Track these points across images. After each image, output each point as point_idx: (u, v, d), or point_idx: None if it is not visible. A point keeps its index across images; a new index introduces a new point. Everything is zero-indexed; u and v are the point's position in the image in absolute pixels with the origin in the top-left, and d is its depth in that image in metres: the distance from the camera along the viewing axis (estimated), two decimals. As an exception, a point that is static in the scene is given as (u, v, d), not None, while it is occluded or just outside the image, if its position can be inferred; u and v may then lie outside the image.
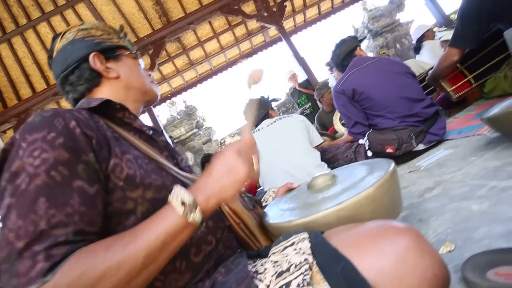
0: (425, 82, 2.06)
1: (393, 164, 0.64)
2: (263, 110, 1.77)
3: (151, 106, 4.23)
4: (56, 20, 4.17)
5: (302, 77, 4.46)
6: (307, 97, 4.43)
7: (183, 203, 0.44)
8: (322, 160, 1.76)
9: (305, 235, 0.45)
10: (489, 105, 1.78)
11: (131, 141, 0.58)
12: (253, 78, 0.68)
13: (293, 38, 5.80)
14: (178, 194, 0.45)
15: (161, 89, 5.41)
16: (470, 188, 0.82)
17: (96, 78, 0.62)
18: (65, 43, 0.62)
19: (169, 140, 4.21)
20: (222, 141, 6.19)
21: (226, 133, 6.42)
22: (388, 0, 6.92)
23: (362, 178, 0.65)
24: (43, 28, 4.17)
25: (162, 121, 6.26)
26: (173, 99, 5.89)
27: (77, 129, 0.46)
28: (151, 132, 0.67)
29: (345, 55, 1.72)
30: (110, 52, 0.63)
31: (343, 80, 1.65)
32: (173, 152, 0.78)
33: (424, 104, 1.50)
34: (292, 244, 0.45)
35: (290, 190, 0.90)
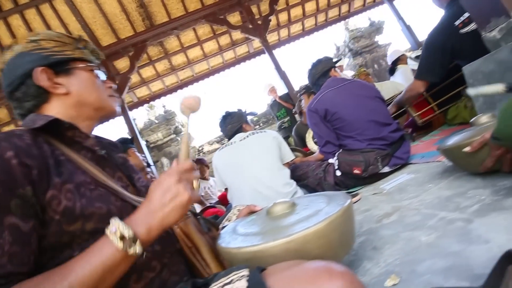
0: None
1: (348, 201, 0.65)
2: (237, 124, 1.76)
3: (127, 109, 4.11)
4: (31, 14, 3.97)
5: (282, 90, 4.53)
6: (286, 111, 4.50)
7: (122, 238, 0.42)
8: (292, 177, 1.78)
9: (245, 272, 0.44)
10: (451, 131, 1.90)
11: (78, 163, 0.54)
12: (186, 106, 0.67)
13: (277, 51, 5.93)
14: (116, 228, 0.43)
15: (140, 93, 5.28)
16: (423, 217, 0.85)
17: (43, 94, 0.58)
18: (12, 56, 0.58)
19: (146, 149, 4.07)
20: (200, 148, 6.10)
21: (205, 140, 6.35)
22: (368, 22, 7.28)
23: (317, 211, 0.65)
24: (15, 20, 3.96)
25: (138, 124, 6.09)
26: (152, 103, 5.76)
27: (13, 160, 0.42)
28: (103, 151, 0.64)
29: (320, 75, 1.77)
30: (60, 66, 0.60)
31: (317, 99, 1.68)
32: (129, 171, 0.74)
33: (391, 128, 1.56)
34: (231, 281, 0.44)
35: (252, 212, 0.89)
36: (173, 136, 5.91)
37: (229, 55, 5.50)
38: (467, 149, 0.86)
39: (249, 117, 1.95)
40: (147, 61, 4.83)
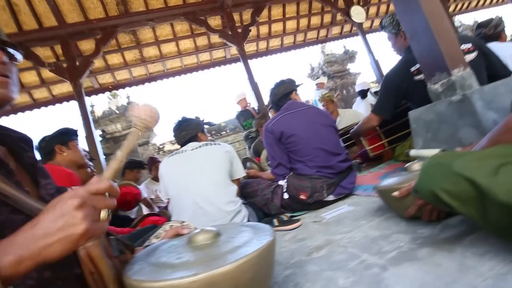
0: (349, 135, 2.28)
1: (267, 240, 0.62)
2: (192, 132, 1.69)
3: (84, 94, 3.79)
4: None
5: (252, 101, 4.54)
6: (253, 121, 4.52)
7: None
8: (241, 193, 1.75)
9: None
10: (396, 166, 2.03)
11: None
12: (141, 120, 0.61)
13: (253, 62, 5.96)
14: None
15: (103, 79, 4.94)
16: (348, 257, 0.86)
17: None
18: None
19: (99, 139, 3.77)
20: (161, 146, 5.84)
21: (167, 138, 6.10)
22: (343, 50, 7.69)
23: (237, 248, 0.62)
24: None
25: (96, 112, 5.67)
26: (116, 92, 5.41)
27: None
28: None
29: (281, 95, 1.78)
30: None
31: (274, 120, 1.69)
32: (36, 174, 0.65)
33: (339, 158, 1.61)
34: None
35: (178, 235, 0.83)
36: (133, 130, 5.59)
37: (204, 56, 5.41)
38: (395, 193, 0.90)
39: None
40: (115, 48, 4.55)
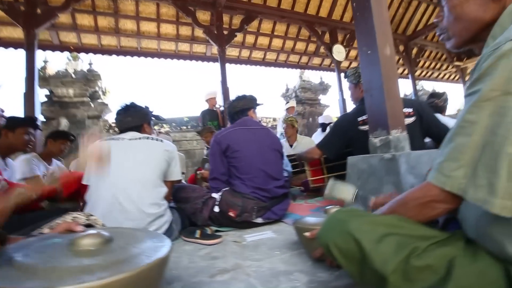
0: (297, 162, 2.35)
1: (156, 257, 0.59)
2: (138, 121, 1.58)
3: (36, 46, 3.39)
4: None
5: (220, 104, 4.49)
6: (218, 123, 4.46)
7: None
8: (174, 196, 1.67)
9: None
10: (332, 203, 2.13)
11: None
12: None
13: (231, 66, 5.95)
14: None
15: (66, 37, 4.49)
16: (246, 286, 0.85)
17: None
18: None
19: (38, 98, 3.37)
20: (112, 124, 5.44)
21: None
22: (319, 81, 8.06)
23: (124, 260, 0.57)
24: None
25: (49, 70, 5.11)
26: (78, 54, 4.96)
27: None
28: None
29: (239, 110, 1.78)
30: None
31: (225, 132, 1.67)
32: None
33: (277, 183, 1.64)
34: None
35: (71, 231, 0.75)
36: (86, 100, 5.12)
37: (184, 47, 5.25)
38: (306, 234, 0.92)
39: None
40: (89, 9, 4.19)
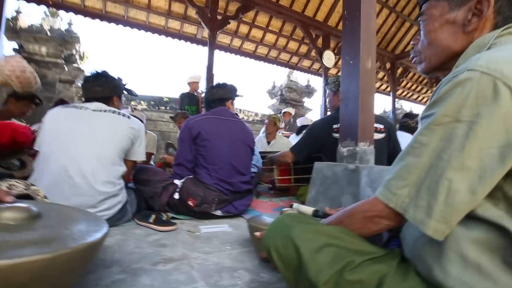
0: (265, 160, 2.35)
1: (83, 242, 0.54)
2: (108, 92, 1.48)
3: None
4: None
5: (202, 89, 4.39)
6: (197, 109, 4.36)
7: None
8: (134, 177, 1.60)
9: None
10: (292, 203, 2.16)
11: None
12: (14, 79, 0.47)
13: (220, 54, 5.83)
14: None
15: (45, -11, 4.13)
16: (186, 279, 0.83)
17: None
18: None
19: (2, 50, 3.09)
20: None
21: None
22: (306, 83, 8.14)
23: (47, 240, 0.52)
24: None
25: (22, 22, 4.69)
26: (57, 11, 4.59)
27: None
28: None
29: (217, 98, 1.73)
30: None
31: (198, 118, 1.62)
32: None
33: (243, 178, 1.62)
34: None
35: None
36: (60, 61, 4.76)
37: (174, 25, 5.04)
38: (256, 234, 0.91)
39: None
40: (75, -36, 3.88)
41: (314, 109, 8.05)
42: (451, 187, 0.45)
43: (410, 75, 8.01)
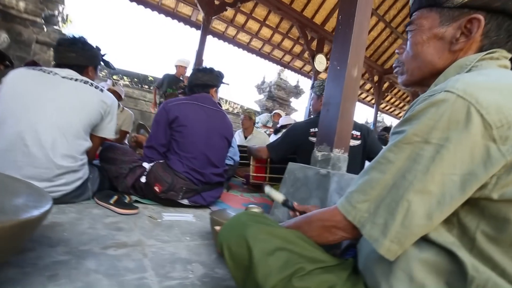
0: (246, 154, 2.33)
1: (10, 219, 0.49)
2: (83, 60, 1.38)
3: None
4: None
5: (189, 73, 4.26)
6: (179, 93, 4.23)
7: None
8: (101, 154, 1.52)
9: None
10: (265, 201, 2.16)
11: None
12: None
13: (213, 40, 5.68)
14: None
15: None
16: (135, 267, 0.79)
17: None
18: None
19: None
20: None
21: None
22: (295, 83, 8.16)
23: None
24: None
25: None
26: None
27: None
28: None
29: (201, 83, 1.66)
30: None
31: (177, 102, 1.56)
32: None
33: (215, 170, 1.58)
34: None
35: None
36: (39, 21, 4.42)
37: (169, 2, 4.84)
38: (217, 228, 0.89)
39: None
40: None
41: (300, 111, 8.10)
42: (410, 209, 0.44)
43: (395, 90, 8.27)
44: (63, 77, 1.27)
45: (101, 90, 1.36)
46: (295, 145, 1.81)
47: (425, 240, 0.48)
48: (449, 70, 0.55)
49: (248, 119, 3.46)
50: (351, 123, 1.51)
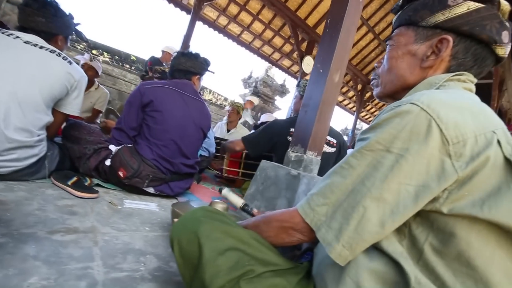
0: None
1: None
2: (54, 29, 1.27)
3: None
4: None
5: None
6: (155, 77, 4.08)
7: None
8: (65, 132, 1.42)
9: None
10: (223, 188, 2.14)
11: None
12: None
13: (202, 27, 5.53)
14: None
15: None
16: (82, 255, 0.74)
17: None
18: None
19: None
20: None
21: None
22: (281, 82, 8.18)
23: None
24: None
25: None
26: None
27: None
28: None
29: (183, 69, 1.59)
30: None
31: (154, 85, 1.48)
32: None
33: (186, 161, 1.53)
34: None
35: None
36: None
37: (160, -19, 4.63)
38: (175, 220, 0.85)
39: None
40: None
41: (284, 110, 8.15)
42: (365, 215, 0.45)
43: (376, 101, 8.54)
44: (26, 42, 1.16)
45: (70, 62, 1.27)
46: (273, 142, 1.80)
47: (376, 249, 0.48)
48: (419, 87, 0.58)
49: (235, 113, 3.40)
50: (327, 127, 1.52)
